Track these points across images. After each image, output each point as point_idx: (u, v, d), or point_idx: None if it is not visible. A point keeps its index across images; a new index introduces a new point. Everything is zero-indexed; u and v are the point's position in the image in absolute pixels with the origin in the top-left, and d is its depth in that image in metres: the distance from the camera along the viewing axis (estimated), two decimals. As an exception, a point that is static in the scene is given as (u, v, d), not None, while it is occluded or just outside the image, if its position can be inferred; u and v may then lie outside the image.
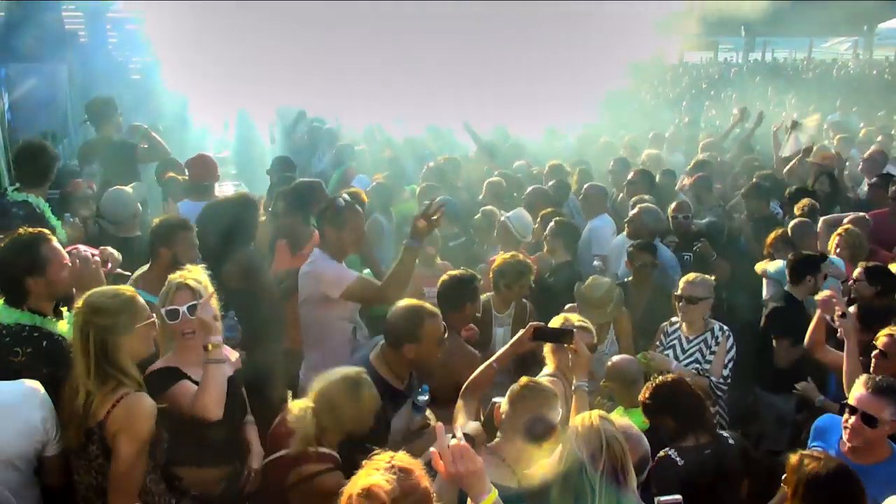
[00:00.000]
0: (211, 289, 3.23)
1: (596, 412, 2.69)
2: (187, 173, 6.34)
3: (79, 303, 2.84)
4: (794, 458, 2.77)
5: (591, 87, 17.39)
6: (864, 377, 3.25)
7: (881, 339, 3.72)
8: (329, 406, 3.11)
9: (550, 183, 7.27)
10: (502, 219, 5.68)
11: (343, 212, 4.20)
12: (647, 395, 3.56)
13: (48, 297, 3.17)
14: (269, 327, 4.48)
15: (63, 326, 3.19)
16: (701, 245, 5.87)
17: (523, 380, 3.01)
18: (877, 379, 3.19)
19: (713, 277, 4.64)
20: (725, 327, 4.55)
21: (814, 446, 3.32)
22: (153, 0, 12.14)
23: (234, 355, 3.55)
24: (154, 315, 3.04)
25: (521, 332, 3.58)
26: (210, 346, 3.02)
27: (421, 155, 8.99)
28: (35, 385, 2.84)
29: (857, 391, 3.16)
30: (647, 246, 5.47)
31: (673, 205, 6.32)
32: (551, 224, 5.64)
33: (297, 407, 3.12)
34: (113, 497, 2.74)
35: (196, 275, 3.28)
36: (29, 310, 3.09)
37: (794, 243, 5.73)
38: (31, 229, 3.21)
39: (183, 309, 3.17)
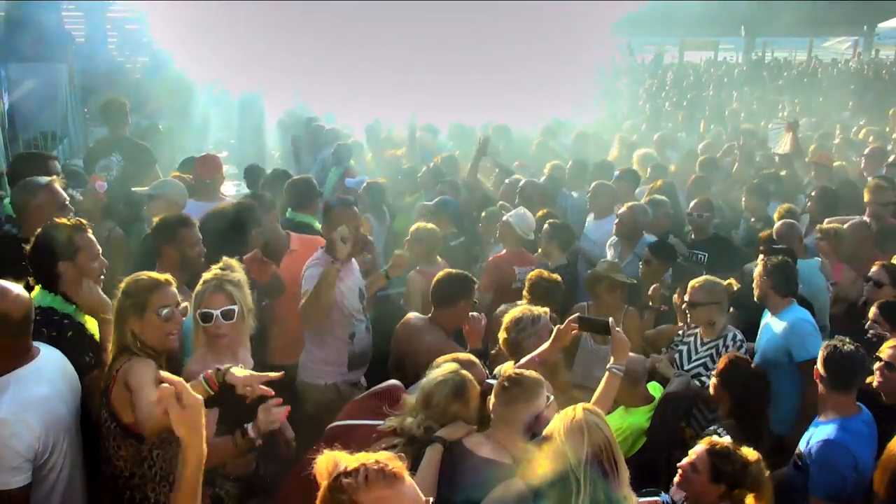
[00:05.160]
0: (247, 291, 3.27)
1: (581, 405, 2.69)
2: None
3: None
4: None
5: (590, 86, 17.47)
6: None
7: (885, 350, 3.56)
8: (443, 415, 3.04)
9: (543, 178, 7.29)
10: (504, 219, 5.66)
11: (331, 210, 4.14)
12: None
13: (79, 284, 3.25)
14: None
15: (91, 322, 3.28)
16: (681, 261, 5.72)
17: (507, 372, 3.05)
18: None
19: (728, 282, 4.50)
20: (740, 336, 4.42)
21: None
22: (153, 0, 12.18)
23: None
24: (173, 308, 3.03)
25: (559, 326, 3.57)
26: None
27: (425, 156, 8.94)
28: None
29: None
30: (662, 247, 5.46)
31: (693, 202, 6.28)
32: (545, 227, 5.58)
33: (405, 420, 3.05)
34: (147, 424, 2.73)
35: (235, 275, 3.27)
36: (63, 296, 3.20)
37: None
38: (66, 220, 3.32)
39: (217, 313, 3.17)
